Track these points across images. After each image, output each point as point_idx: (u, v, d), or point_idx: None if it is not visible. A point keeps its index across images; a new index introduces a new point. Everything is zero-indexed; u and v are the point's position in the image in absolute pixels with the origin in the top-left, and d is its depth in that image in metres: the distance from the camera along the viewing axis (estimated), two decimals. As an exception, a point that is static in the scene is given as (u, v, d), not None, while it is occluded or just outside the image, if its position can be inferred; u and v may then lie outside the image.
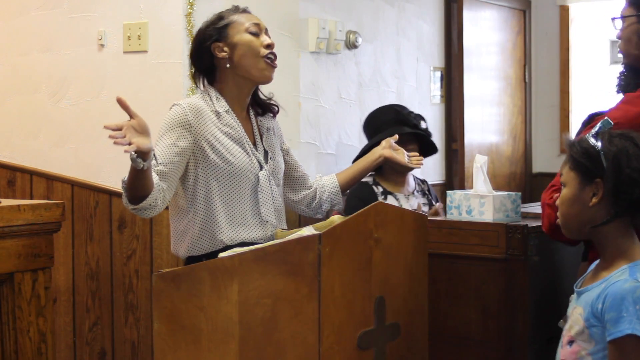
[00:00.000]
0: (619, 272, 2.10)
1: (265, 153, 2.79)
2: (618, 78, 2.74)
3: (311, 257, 2.11)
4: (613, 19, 2.64)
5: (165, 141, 2.63)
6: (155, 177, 2.53)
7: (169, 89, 3.55)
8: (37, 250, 2.72)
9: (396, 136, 3.20)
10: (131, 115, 2.41)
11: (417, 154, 3.41)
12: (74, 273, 3.84)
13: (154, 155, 2.51)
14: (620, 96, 2.66)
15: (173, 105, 2.71)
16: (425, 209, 3.87)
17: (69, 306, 3.85)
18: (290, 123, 4.01)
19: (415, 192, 3.88)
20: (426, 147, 3.92)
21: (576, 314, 2.15)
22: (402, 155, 3.15)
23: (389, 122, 3.84)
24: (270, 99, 2.90)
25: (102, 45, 3.77)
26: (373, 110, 4.02)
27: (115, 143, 2.36)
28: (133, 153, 2.36)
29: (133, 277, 3.68)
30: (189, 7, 3.55)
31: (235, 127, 2.71)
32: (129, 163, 2.41)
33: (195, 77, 2.85)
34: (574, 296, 2.22)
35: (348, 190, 3.27)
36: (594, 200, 2.13)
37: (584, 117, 2.86)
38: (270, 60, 2.73)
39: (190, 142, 2.64)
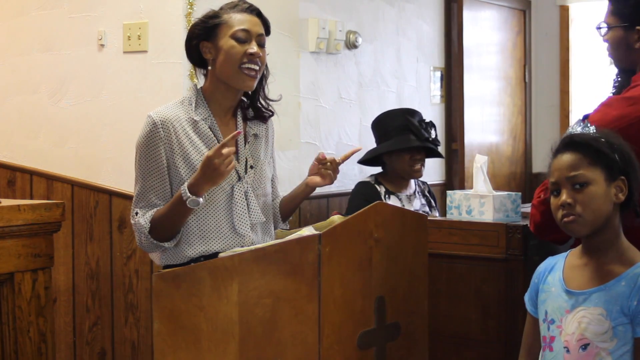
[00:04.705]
0: None
1: (246, 162, 2.62)
2: (614, 80, 2.76)
3: (311, 257, 2.11)
4: (598, 27, 2.65)
5: (153, 177, 2.52)
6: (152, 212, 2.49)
7: (169, 89, 3.55)
8: (37, 250, 2.72)
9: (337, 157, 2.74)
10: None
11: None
12: (74, 273, 3.83)
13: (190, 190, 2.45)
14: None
15: (147, 117, 2.56)
16: (426, 209, 3.88)
17: (69, 306, 3.85)
18: (290, 123, 4.01)
19: (416, 193, 3.89)
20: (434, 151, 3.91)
21: (593, 315, 2.10)
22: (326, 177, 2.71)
23: (397, 129, 3.81)
24: (270, 101, 2.70)
25: (102, 45, 3.77)
26: (384, 112, 3.98)
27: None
28: (191, 195, 2.39)
29: (133, 277, 3.68)
30: (189, 7, 3.54)
31: (211, 137, 2.56)
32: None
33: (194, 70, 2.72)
34: (562, 299, 2.17)
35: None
36: (621, 197, 2.13)
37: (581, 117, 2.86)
38: (250, 71, 2.54)
39: (164, 160, 2.51)
